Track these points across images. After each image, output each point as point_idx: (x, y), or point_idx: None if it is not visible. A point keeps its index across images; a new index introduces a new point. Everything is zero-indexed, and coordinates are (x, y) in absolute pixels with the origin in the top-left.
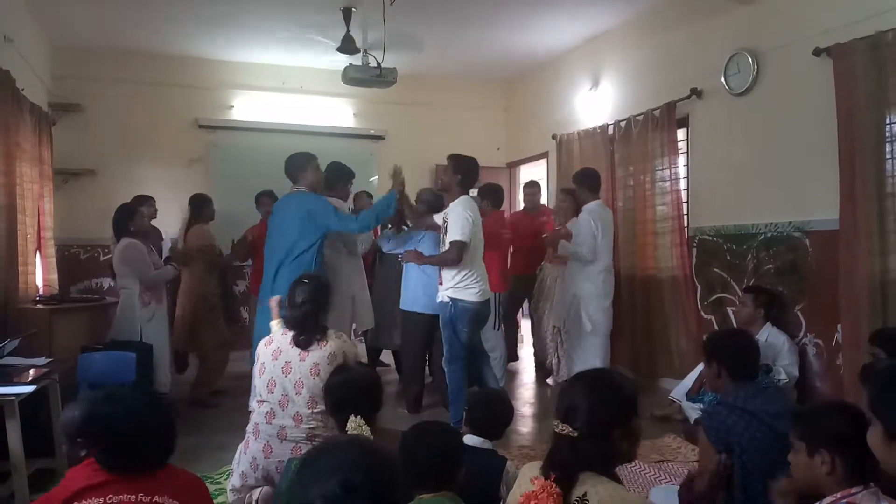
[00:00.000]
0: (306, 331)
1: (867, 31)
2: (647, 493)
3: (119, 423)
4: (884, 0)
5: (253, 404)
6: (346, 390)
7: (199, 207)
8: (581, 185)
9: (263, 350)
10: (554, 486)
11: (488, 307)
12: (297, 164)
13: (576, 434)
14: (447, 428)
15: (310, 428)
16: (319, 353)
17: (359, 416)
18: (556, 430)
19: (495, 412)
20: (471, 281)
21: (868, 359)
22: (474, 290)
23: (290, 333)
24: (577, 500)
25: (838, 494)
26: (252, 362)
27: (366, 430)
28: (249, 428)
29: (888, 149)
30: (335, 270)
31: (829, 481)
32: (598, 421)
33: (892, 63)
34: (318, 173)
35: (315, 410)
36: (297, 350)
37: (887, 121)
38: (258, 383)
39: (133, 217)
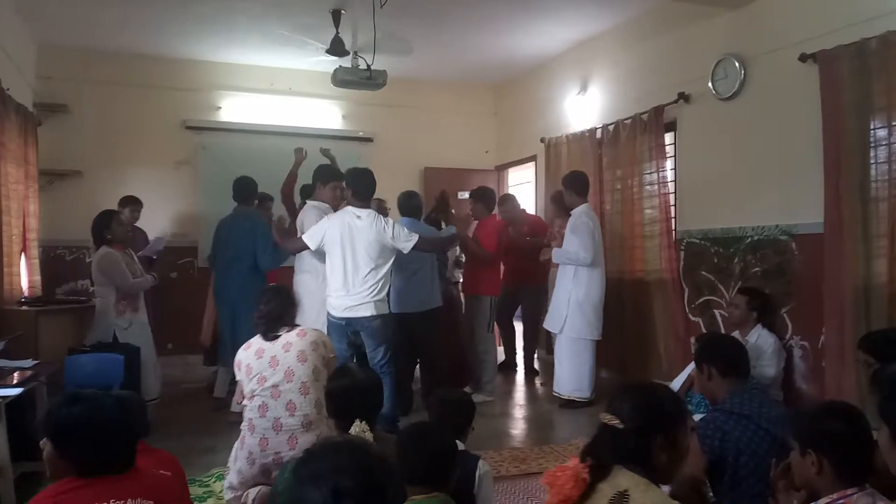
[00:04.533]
0: (272, 326)
1: (852, 37)
2: None
3: (77, 423)
4: (868, 7)
5: (235, 405)
6: (350, 395)
7: None
8: (569, 187)
9: (244, 354)
10: (584, 469)
11: None
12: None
13: (621, 426)
14: (441, 430)
15: (304, 415)
16: (303, 342)
17: (363, 422)
18: (604, 422)
19: (459, 412)
20: None
21: (858, 365)
22: None
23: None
24: (616, 495)
25: (834, 495)
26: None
27: (368, 437)
28: (244, 425)
29: (872, 154)
30: (304, 278)
31: (819, 481)
32: (639, 416)
33: (877, 69)
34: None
35: (307, 396)
36: (280, 344)
37: (871, 126)
38: (247, 384)
39: (109, 225)
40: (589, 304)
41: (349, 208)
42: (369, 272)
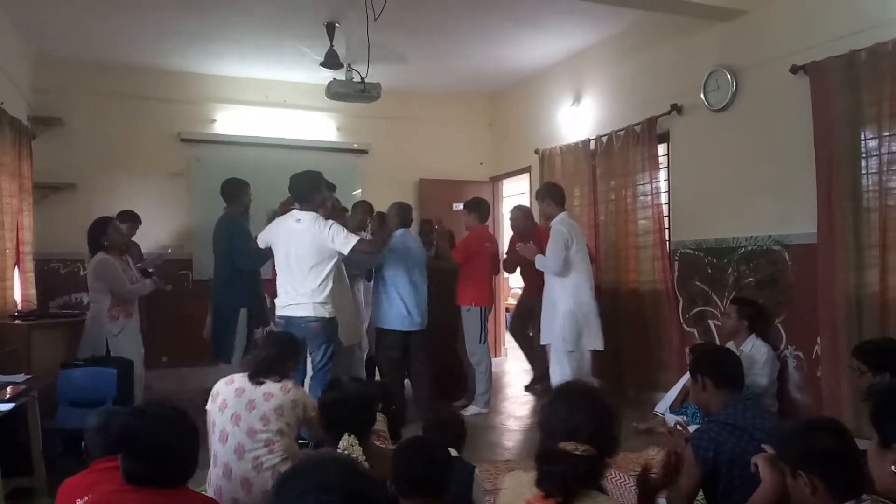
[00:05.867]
0: (261, 371)
1: (842, 49)
2: None
3: (150, 435)
4: (857, 20)
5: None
6: (340, 408)
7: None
8: (547, 198)
9: (224, 388)
10: None
11: None
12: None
13: (596, 453)
14: (438, 444)
15: (283, 448)
16: (284, 398)
17: (352, 436)
18: (574, 452)
19: (451, 434)
20: None
21: (851, 372)
22: None
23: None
24: None
25: None
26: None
27: (357, 451)
28: (215, 474)
29: (863, 164)
30: None
31: (814, 501)
32: (616, 439)
33: (866, 81)
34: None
35: (284, 433)
36: (261, 391)
37: (862, 137)
38: (219, 419)
39: (105, 231)
40: (580, 314)
41: (293, 211)
42: (307, 273)
